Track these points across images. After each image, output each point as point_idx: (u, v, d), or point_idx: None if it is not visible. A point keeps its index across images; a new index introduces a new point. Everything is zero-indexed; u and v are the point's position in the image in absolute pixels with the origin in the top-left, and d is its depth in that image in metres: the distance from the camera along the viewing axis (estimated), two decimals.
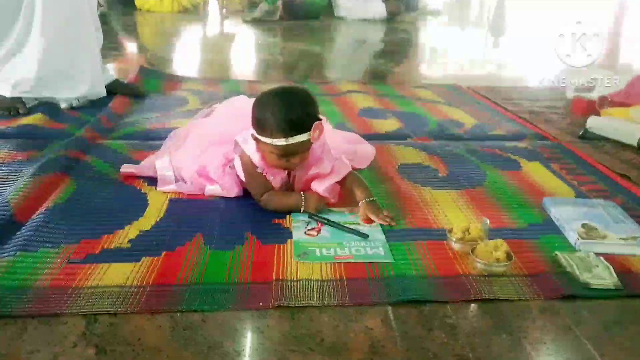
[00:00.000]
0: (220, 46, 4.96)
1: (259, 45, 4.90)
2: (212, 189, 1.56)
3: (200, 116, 1.88)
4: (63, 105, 2.33)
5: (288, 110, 1.38)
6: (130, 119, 2.30)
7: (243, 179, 1.52)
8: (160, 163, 1.63)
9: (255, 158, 1.47)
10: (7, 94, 2.21)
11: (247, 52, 4.62)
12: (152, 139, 2.02)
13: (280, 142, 1.38)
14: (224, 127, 1.64)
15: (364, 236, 1.37)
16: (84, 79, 2.35)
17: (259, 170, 1.48)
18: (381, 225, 1.44)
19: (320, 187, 1.51)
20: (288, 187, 1.55)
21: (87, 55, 2.37)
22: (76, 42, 2.31)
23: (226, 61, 4.22)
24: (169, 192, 1.57)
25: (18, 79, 2.21)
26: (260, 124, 1.41)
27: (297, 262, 1.25)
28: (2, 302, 1.06)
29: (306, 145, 1.42)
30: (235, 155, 1.53)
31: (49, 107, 2.29)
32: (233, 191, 1.55)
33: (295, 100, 1.43)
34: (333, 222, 1.44)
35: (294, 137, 1.38)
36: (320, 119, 1.42)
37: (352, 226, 1.43)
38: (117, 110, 2.37)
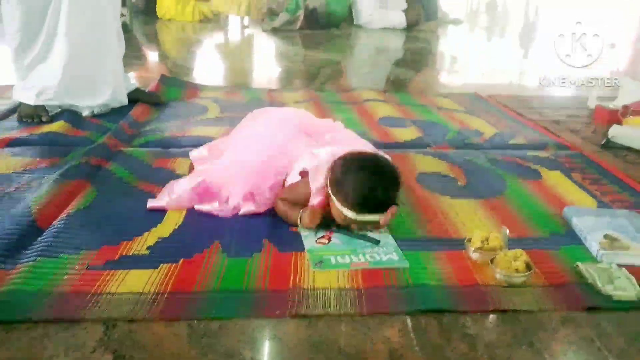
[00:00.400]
0: (241, 55, 4.99)
1: (280, 53, 4.93)
2: (246, 209, 1.50)
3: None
4: (85, 113, 2.36)
5: (369, 191, 1.33)
6: (152, 126, 2.32)
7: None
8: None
9: (315, 200, 1.43)
10: (31, 102, 2.24)
11: (267, 61, 4.64)
12: (173, 147, 2.04)
13: (351, 215, 1.35)
14: (274, 136, 1.61)
15: (375, 242, 1.37)
16: (106, 87, 2.38)
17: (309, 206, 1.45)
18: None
19: None
20: None
21: (110, 64, 2.40)
22: (99, 51, 2.34)
23: (247, 70, 4.25)
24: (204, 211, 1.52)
25: (42, 87, 2.24)
26: (337, 188, 1.36)
27: (314, 271, 1.25)
28: (23, 307, 1.08)
29: (373, 224, 1.39)
30: (296, 174, 1.50)
31: (71, 114, 2.32)
32: (265, 208, 1.52)
33: (381, 180, 1.36)
34: (344, 229, 1.43)
35: (365, 216, 1.35)
36: (397, 204, 1.38)
37: (360, 233, 1.42)
38: (139, 118, 2.39)
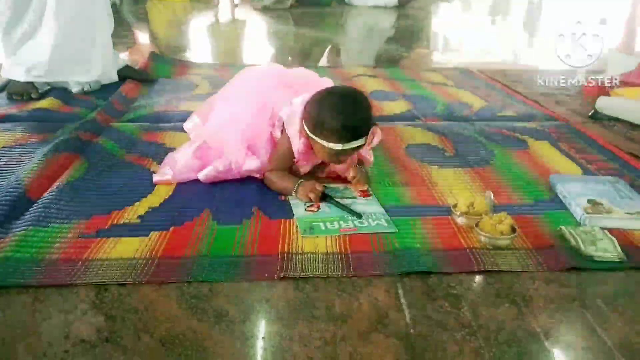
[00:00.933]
0: (231, 34, 4.97)
1: (271, 32, 4.90)
2: (250, 165, 1.51)
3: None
4: (75, 89, 2.36)
5: (349, 117, 1.36)
6: (141, 102, 2.32)
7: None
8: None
9: (296, 146, 1.45)
10: (21, 78, 2.24)
11: (258, 40, 4.62)
12: (162, 121, 2.04)
13: (337, 147, 1.36)
14: (257, 91, 1.61)
15: (358, 216, 1.37)
16: (95, 63, 2.38)
17: (295, 154, 1.47)
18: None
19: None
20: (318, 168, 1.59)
21: (100, 40, 2.39)
22: (88, 27, 2.33)
23: (237, 48, 4.24)
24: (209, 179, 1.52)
25: (31, 64, 2.24)
26: (317, 126, 1.38)
27: (303, 237, 1.27)
28: (15, 273, 1.09)
29: (360, 148, 1.43)
30: (278, 129, 1.52)
31: (60, 91, 2.32)
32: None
33: (356, 106, 1.39)
34: (332, 199, 1.44)
35: (350, 143, 1.37)
36: (376, 124, 1.41)
37: (349, 201, 1.44)
38: (129, 94, 2.39)
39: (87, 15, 2.32)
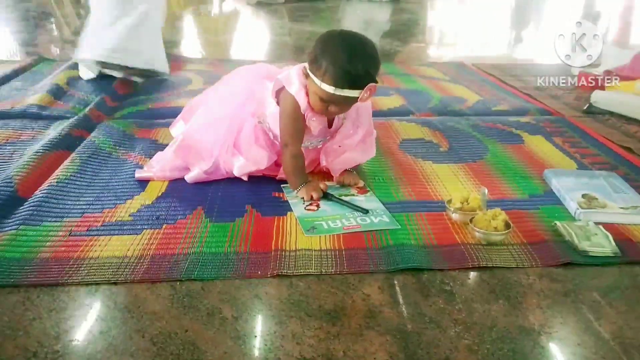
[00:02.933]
0: (225, 28, 4.94)
1: (265, 26, 4.88)
2: (241, 166, 1.49)
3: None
4: (120, 75, 2.45)
5: (348, 63, 1.27)
6: (134, 98, 2.30)
7: (276, 127, 1.47)
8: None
9: (301, 98, 1.38)
10: (97, 58, 2.35)
11: (253, 34, 4.60)
12: (156, 117, 2.03)
13: (329, 89, 1.29)
14: (241, 87, 1.57)
15: (364, 211, 1.37)
16: (157, 54, 2.55)
17: (302, 111, 1.40)
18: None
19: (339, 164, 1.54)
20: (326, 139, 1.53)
21: (156, 32, 2.55)
22: (155, 21, 2.50)
23: (231, 43, 4.21)
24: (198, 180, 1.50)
25: (98, 46, 2.35)
26: (316, 63, 1.31)
27: (296, 233, 1.26)
28: (5, 273, 1.08)
29: (351, 101, 1.35)
30: (272, 101, 1.46)
31: (54, 87, 2.30)
32: (263, 163, 1.49)
33: (361, 53, 1.30)
34: (334, 197, 1.44)
35: (343, 90, 1.29)
36: (376, 81, 1.31)
37: (347, 198, 1.44)
38: (121, 90, 2.38)
39: (156, 10, 2.49)
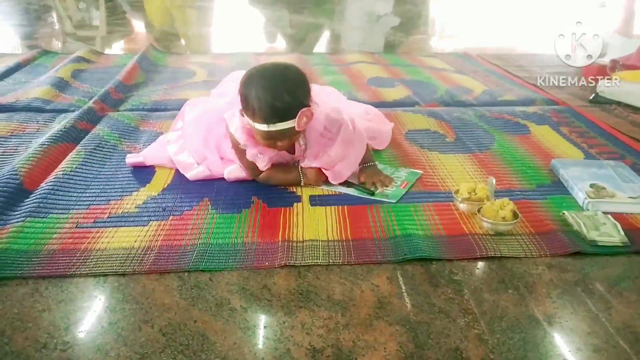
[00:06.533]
0: (226, 20, 4.91)
1: (264, 18, 4.85)
2: (231, 170, 1.47)
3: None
4: None
5: (271, 96, 1.24)
6: (139, 90, 2.30)
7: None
8: (173, 149, 1.53)
9: (239, 136, 1.36)
10: None
11: (253, 26, 4.58)
12: (160, 110, 2.03)
13: (262, 127, 1.27)
14: (225, 103, 1.52)
15: (371, 193, 1.39)
16: None
17: (243, 147, 1.38)
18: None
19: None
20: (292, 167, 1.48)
21: None
22: None
23: (232, 35, 4.19)
24: (201, 178, 1.48)
25: None
26: (246, 105, 1.29)
27: (303, 224, 1.26)
28: (13, 265, 1.08)
29: (291, 132, 1.29)
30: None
31: (58, 80, 2.30)
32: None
33: (282, 84, 1.27)
34: (351, 183, 1.45)
35: (276, 124, 1.26)
36: (307, 105, 1.28)
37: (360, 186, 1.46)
38: (126, 82, 2.37)
39: None
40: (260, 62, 2.59)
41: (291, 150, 1.45)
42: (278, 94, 1.25)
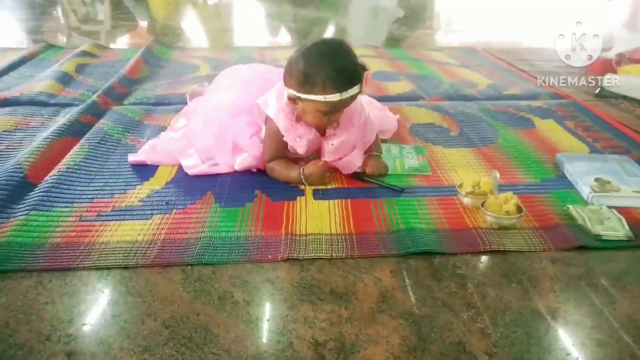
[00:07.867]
0: (230, 14, 4.91)
1: (269, 13, 4.85)
2: (243, 159, 1.47)
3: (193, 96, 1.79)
4: None
5: (341, 64, 1.27)
6: (143, 84, 2.30)
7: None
8: (177, 147, 1.53)
9: (280, 122, 1.38)
10: None
11: (256, 20, 4.57)
12: (163, 104, 2.03)
13: (334, 97, 1.27)
14: (234, 98, 1.54)
15: (400, 190, 1.39)
16: None
17: (282, 131, 1.39)
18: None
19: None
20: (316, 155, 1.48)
21: None
22: None
23: (236, 29, 4.19)
24: (202, 174, 1.47)
25: None
26: (307, 81, 1.28)
27: (306, 218, 1.25)
28: (17, 258, 1.08)
29: (354, 99, 1.34)
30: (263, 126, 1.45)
31: (62, 75, 2.30)
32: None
33: (344, 52, 1.30)
34: (364, 175, 1.45)
35: (347, 90, 1.27)
36: (367, 69, 1.31)
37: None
38: (130, 76, 2.37)
39: None
40: (264, 56, 2.61)
41: (321, 132, 1.44)
42: (347, 61, 1.29)
